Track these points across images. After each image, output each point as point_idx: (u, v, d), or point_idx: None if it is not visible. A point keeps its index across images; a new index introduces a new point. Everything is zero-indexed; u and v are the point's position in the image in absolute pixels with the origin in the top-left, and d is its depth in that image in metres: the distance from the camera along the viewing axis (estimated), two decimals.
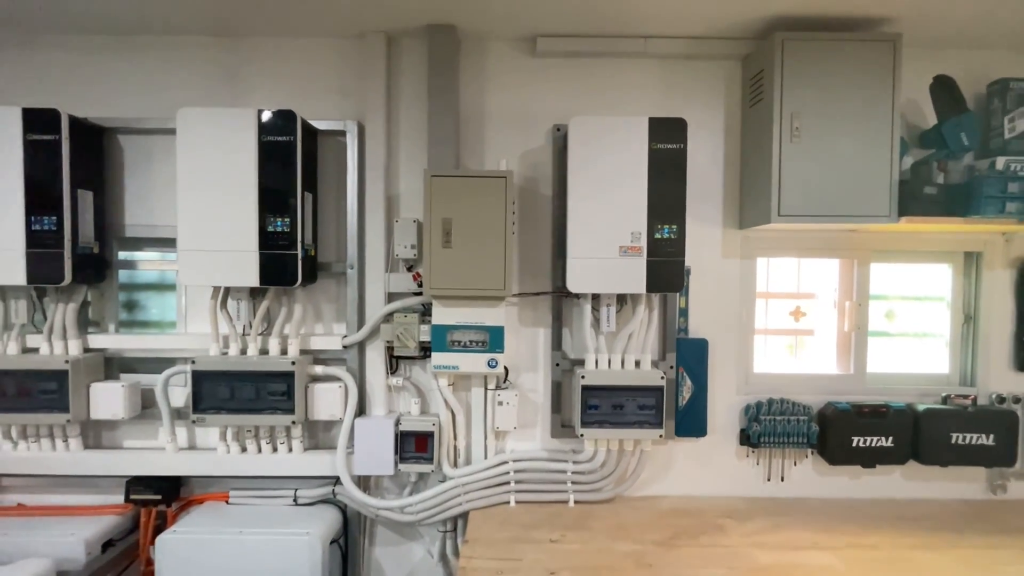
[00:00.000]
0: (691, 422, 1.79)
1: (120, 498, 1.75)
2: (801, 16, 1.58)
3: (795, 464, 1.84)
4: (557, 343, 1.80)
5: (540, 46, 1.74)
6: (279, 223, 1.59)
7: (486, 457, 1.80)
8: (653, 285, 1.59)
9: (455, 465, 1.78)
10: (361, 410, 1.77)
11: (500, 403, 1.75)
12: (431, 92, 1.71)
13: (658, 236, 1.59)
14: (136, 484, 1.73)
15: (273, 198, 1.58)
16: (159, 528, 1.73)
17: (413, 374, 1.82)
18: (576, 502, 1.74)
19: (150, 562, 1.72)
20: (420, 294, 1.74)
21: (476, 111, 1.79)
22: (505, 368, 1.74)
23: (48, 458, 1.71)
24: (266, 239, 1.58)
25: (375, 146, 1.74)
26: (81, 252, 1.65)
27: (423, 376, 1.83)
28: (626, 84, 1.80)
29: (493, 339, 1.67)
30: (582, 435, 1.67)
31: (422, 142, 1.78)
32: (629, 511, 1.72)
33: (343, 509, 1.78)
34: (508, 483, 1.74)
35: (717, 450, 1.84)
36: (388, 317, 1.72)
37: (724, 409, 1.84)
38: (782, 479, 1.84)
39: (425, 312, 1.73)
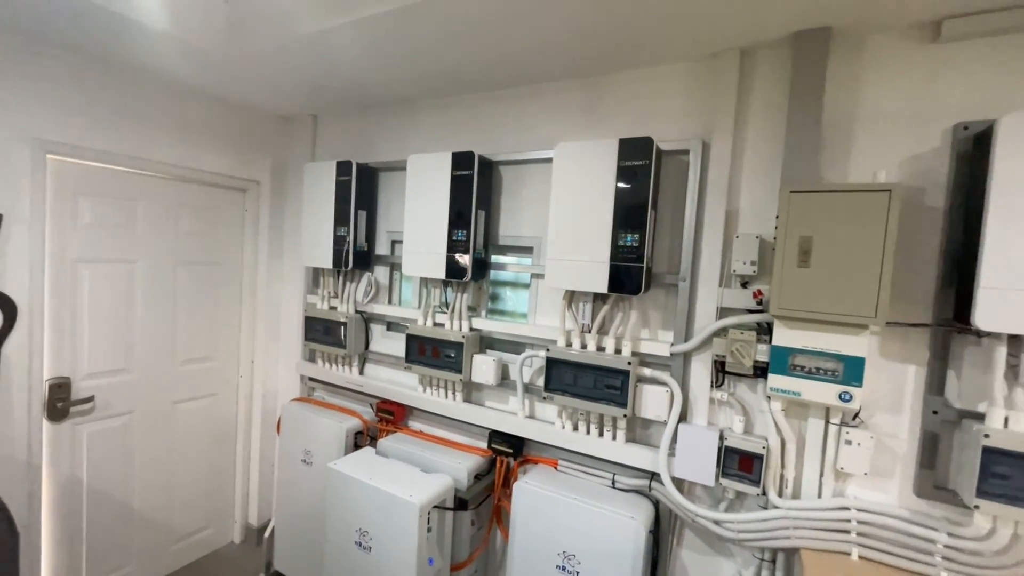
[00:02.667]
0: None
1: (483, 444, 2.29)
2: None
3: None
4: (938, 387, 1.50)
5: (948, 29, 1.45)
6: (629, 238, 1.78)
7: (820, 496, 1.65)
8: None
9: (781, 495, 1.69)
10: (682, 417, 1.85)
11: (848, 442, 1.57)
12: (791, 103, 1.63)
13: None
14: (496, 436, 2.24)
15: (626, 216, 1.78)
16: (506, 474, 2.20)
17: (738, 391, 1.80)
18: None
19: (500, 498, 2.20)
20: (759, 312, 1.70)
21: (843, 118, 1.62)
22: (859, 405, 1.55)
23: (444, 403, 2.37)
24: (617, 252, 1.80)
25: (719, 163, 1.77)
26: (476, 256, 2.21)
27: (749, 394, 1.79)
28: None
29: (849, 370, 1.50)
30: (977, 507, 1.35)
31: (769, 156, 1.72)
32: None
33: (655, 504, 1.91)
34: (849, 532, 1.56)
35: None
36: (721, 331, 1.74)
37: None
38: None
39: (762, 331, 1.68)
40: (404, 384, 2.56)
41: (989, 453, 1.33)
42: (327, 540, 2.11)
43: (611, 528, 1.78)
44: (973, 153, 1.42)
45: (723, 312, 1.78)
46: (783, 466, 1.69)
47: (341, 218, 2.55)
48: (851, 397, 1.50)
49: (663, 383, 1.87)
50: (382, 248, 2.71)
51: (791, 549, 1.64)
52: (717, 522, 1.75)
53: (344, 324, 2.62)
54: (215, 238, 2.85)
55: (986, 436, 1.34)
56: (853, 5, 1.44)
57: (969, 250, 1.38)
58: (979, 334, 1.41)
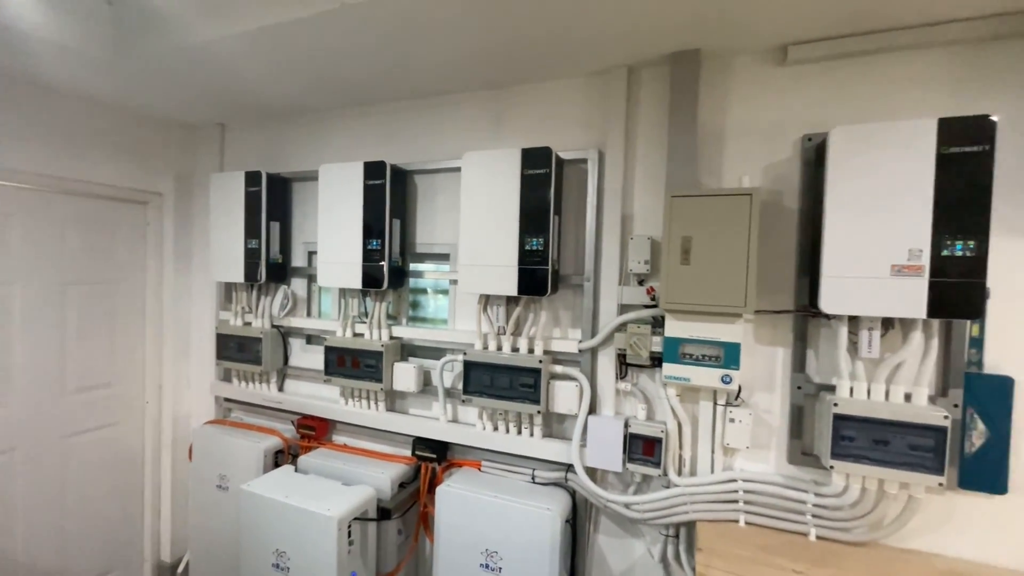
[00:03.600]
0: (983, 474, 1.50)
1: (406, 451, 2.30)
2: None
3: None
4: (799, 365, 1.71)
5: (792, 55, 1.68)
6: (535, 242, 1.88)
7: (712, 471, 1.81)
8: (937, 310, 1.39)
9: (680, 474, 1.84)
10: (592, 409, 1.96)
11: (732, 420, 1.75)
12: (671, 116, 1.80)
13: (947, 253, 1.38)
14: (419, 443, 2.25)
15: (530, 221, 1.88)
16: (431, 480, 2.22)
17: (640, 381, 1.94)
18: (818, 537, 1.63)
19: (426, 505, 2.21)
20: (652, 307, 1.85)
21: (715, 129, 1.81)
22: (739, 386, 1.73)
23: (365, 414, 2.35)
24: (524, 256, 1.89)
25: (613, 171, 1.91)
26: (392, 265, 2.22)
27: (650, 384, 1.93)
28: (898, 82, 1.60)
29: (728, 355, 1.67)
30: (831, 467, 1.55)
31: (657, 164, 1.89)
32: (891, 561, 1.53)
33: (572, 494, 2.00)
34: (737, 501, 1.73)
35: (1023, 514, 1.50)
36: (621, 327, 1.87)
37: None
38: None
39: (656, 324, 1.83)
40: (326, 398, 2.51)
41: (838, 419, 1.54)
42: (241, 566, 2.01)
43: (529, 522, 1.85)
44: (816, 161, 1.65)
45: (623, 308, 1.92)
46: (681, 447, 1.84)
47: (252, 230, 2.47)
48: (731, 379, 1.67)
49: (573, 378, 1.98)
50: (299, 260, 2.65)
51: (690, 522, 1.79)
52: (627, 505, 1.87)
53: (259, 340, 2.52)
54: (113, 255, 2.65)
55: (835, 405, 1.55)
56: (714, 31, 1.63)
57: (816, 244, 1.60)
58: (827, 317, 1.63)
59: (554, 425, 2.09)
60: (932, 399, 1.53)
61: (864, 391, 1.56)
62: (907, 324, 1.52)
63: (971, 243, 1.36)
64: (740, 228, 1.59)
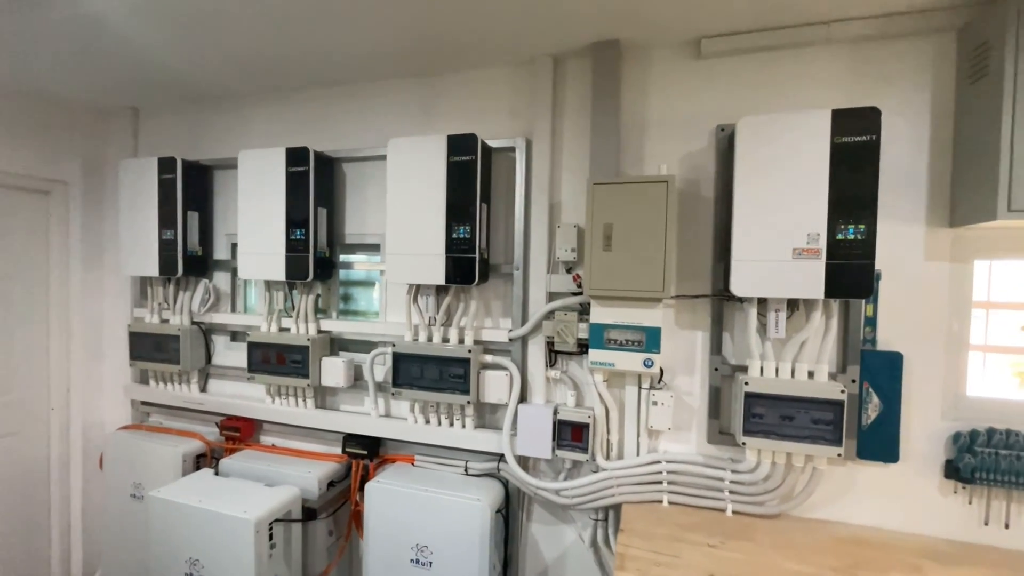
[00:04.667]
0: (878, 444, 1.60)
1: (338, 449, 2.22)
2: None
3: None
4: (717, 347, 1.77)
5: (705, 47, 1.73)
6: (461, 231, 1.85)
7: (639, 454, 1.85)
8: (833, 290, 1.47)
9: (607, 458, 1.86)
10: (523, 397, 1.96)
11: (655, 403, 1.79)
12: (594, 105, 1.82)
13: (840, 237, 1.47)
14: (350, 440, 2.18)
15: (457, 209, 1.85)
16: (363, 477, 2.15)
17: (570, 368, 1.96)
18: (735, 512, 1.69)
19: (357, 503, 2.15)
20: (579, 294, 1.86)
21: (637, 119, 1.85)
22: (660, 369, 1.77)
23: (293, 412, 2.25)
24: (451, 244, 1.86)
25: (541, 159, 1.92)
26: (319, 256, 2.14)
27: (579, 371, 1.95)
28: (804, 76, 1.69)
29: (650, 339, 1.71)
30: (743, 443, 1.62)
31: (583, 153, 1.91)
32: (798, 531, 1.61)
33: (505, 484, 1.99)
34: (661, 482, 1.77)
35: (912, 480, 1.61)
36: (549, 315, 1.88)
37: (923, 435, 1.60)
38: (1007, 526, 1.54)
39: (583, 311, 1.85)
40: (251, 397, 2.39)
41: (749, 397, 1.61)
42: None
43: (459, 513, 1.83)
44: (728, 150, 1.71)
45: (552, 296, 1.92)
46: (608, 432, 1.87)
47: (167, 220, 2.31)
48: (652, 363, 1.70)
49: (504, 368, 1.97)
50: (221, 252, 2.50)
51: (617, 505, 1.82)
52: (557, 492, 1.87)
53: (177, 338, 2.37)
54: (9, 249, 2.41)
55: (746, 384, 1.61)
56: (630, 22, 1.66)
57: (728, 230, 1.66)
58: (740, 300, 1.69)
59: (487, 416, 2.07)
60: (833, 376, 1.63)
61: (773, 370, 1.63)
62: (809, 305, 1.60)
63: (861, 227, 1.45)
64: (658, 214, 1.63)
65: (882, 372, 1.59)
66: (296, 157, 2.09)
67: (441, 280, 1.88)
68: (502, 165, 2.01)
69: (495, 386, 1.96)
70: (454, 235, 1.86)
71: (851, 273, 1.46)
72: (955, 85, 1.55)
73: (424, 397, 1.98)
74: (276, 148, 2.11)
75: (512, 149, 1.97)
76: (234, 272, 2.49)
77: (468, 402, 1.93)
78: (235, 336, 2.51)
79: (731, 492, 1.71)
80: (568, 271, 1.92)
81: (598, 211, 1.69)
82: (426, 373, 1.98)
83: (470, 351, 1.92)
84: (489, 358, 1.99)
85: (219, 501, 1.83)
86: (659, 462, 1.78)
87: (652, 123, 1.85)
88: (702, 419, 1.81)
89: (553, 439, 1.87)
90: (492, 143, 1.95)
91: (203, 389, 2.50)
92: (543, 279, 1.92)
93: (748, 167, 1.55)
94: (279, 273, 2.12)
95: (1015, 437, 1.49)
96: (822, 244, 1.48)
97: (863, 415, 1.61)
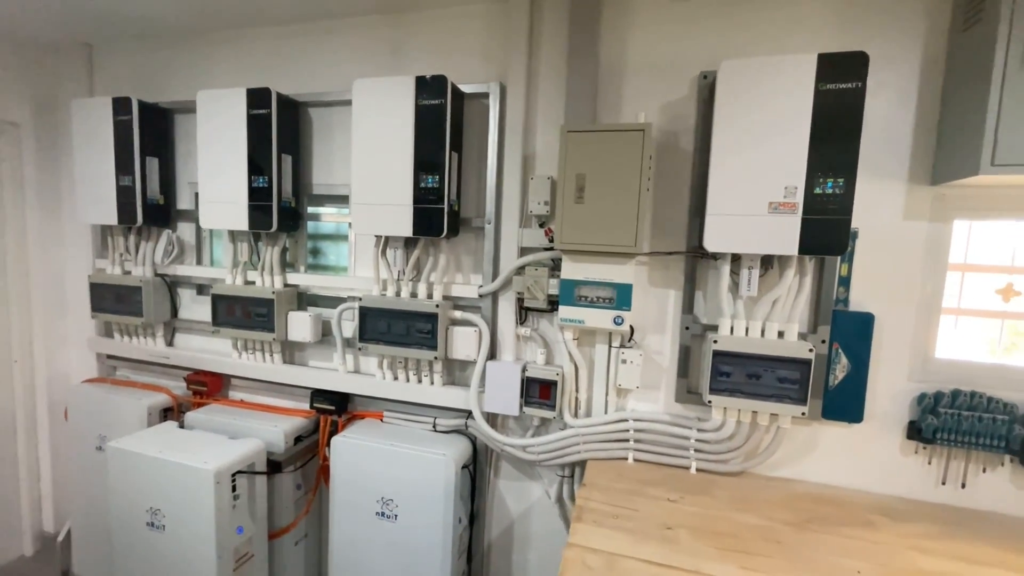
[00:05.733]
0: (843, 405, 1.59)
1: (306, 405, 2.19)
2: None
3: (983, 471, 1.54)
4: (688, 306, 1.73)
5: None
6: (430, 180, 1.77)
7: (607, 412, 1.83)
8: (808, 246, 1.43)
9: (576, 415, 1.85)
10: (492, 354, 1.93)
11: (624, 361, 1.76)
12: (571, 49, 1.72)
13: (818, 191, 1.41)
14: (318, 395, 2.14)
15: (426, 157, 1.76)
16: (332, 433, 2.13)
17: (540, 326, 1.92)
18: (698, 470, 1.70)
19: (326, 458, 2.13)
20: (549, 249, 1.80)
21: (616, 65, 1.75)
22: (631, 327, 1.73)
23: (260, 367, 2.20)
24: (419, 194, 1.78)
25: (515, 106, 1.82)
26: (284, 206, 2.05)
27: (549, 329, 1.91)
28: (792, 21, 1.59)
29: (620, 296, 1.67)
30: (709, 401, 1.60)
31: (559, 101, 1.81)
32: (757, 488, 1.62)
33: (473, 441, 1.98)
34: (627, 440, 1.76)
35: (874, 440, 1.62)
36: (520, 270, 1.83)
37: (888, 396, 1.60)
38: (963, 486, 1.55)
39: (555, 267, 1.79)
40: (219, 352, 2.33)
41: (717, 356, 1.58)
42: (113, 529, 1.87)
43: (424, 468, 1.82)
44: (709, 99, 1.63)
45: (524, 251, 1.86)
46: (577, 390, 1.84)
47: (124, 166, 2.20)
48: (622, 320, 1.67)
49: (473, 324, 1.92)
50: (185, 202, 2.40)
51: (583, 462, 1.82)
52: (524, 448, 1.87)
53: (139, 289, 2.29)
54: None
55: (715, 342, 1.58)
56: None
57: (706, 185, 1.59)
58: (714, 257, 1.64)
59: (456, 373, 2.04)
60: (803, 336, 1.60)
61: (743, 329, 1.60)
62: (783, 263, 1.56)
63: (840, 181, 1.39)
64: (633, 165, 1.55)
65: (853, 333, 1.57)
66: (257, 99, 1.96)
67: (409, 232, 1.81)
68: (475, 112, 1.91)
69: (464, 342, 1.92)
70: (422, 184, 1.78)
71: (827, 229, 1.41)
72: (948, 35, 1.47)
73: (391, 352, 1.94)
74: (236, 89, 1.98)
75: (485, 95, 1.86)
76: (198, 222, 2.39)
77: (436, 358, 1.89)
78: (201, 289, 2.43)
79: (696, 450, 1.70)
80: (541, 225, 1.85)
81: (571, 160, 1.61)
82: (393, 328, 1.93)
83: (438, 306, 1.87)
84: (458, 314, 1.94)
85: (180, 452, 1.80)
86: (626, 420, 1.76)
87: (631, 69, 1.75)
88: (671, 378, 1.79)
89: (521, 396, 1.85)
90: (464, 88, 1.85)
91: (169, 343, 2.44)
92: (515, 233, 1.86)
93: (728, 114, 1.47)
94: (242, 223, 2.03)
95: (979, 399, 1.49)
96: (799, 198, 1.42)
97: (831, 376, 1.59)
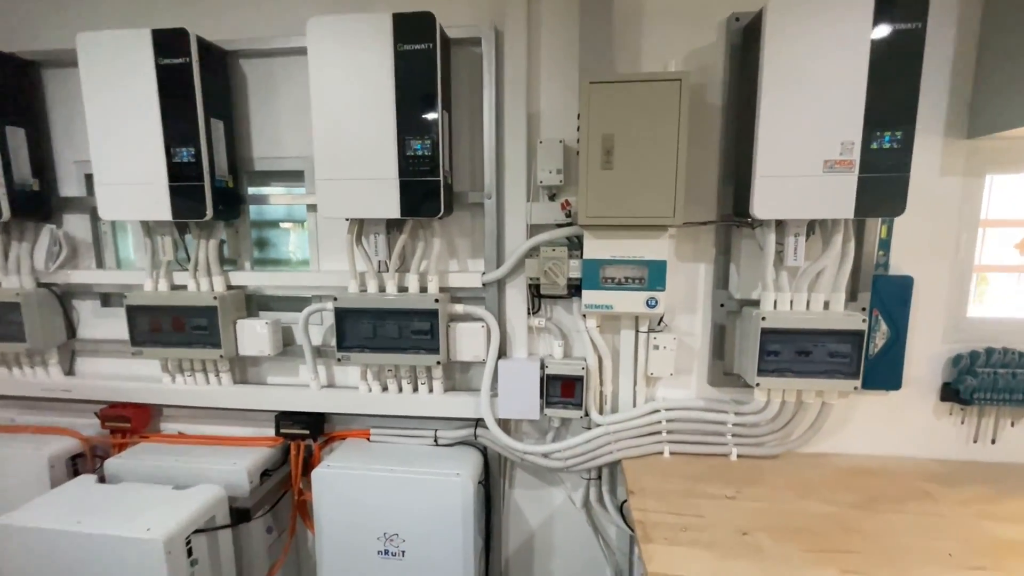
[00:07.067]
0: (883, 373, 1.52)
1: (270, 431, 1.79)
2: None
3: (1012, 425, 1.55)
4: (722, 281, 1.57)
5: None
6: (419, 146, 1.43)
7: (635, 405, 1.65)
8: (865, 208, 1.30)
9: (601, 412, 1.65)
10: (502, 352, 1.66)
11: (656, 347, 1.57)
12: None
13: (875, 147, 1.27)
14: (285, 418, 1.76)
15: (412, 117, 1.42)
16: (307, 460, 1.77)
17: (556, 314, 1.67)
18: (739, 456, 1.57)
19: (302, 492, 1.77)
20: (567, 225, 1.55)
21: (632, 9, 1.50)
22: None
23: (203, 391, 1.76)
24: (406, 165, 1.44)
25: (514, 55, 1.51)
26: (218, 186, 1.59)
27: (566, 317, 1.67)
28: None
29: (653, 275, 1.46)
30: (758, 384, 1.46)
31: (565, 51, 1.53)
32: (805, 468, 1.52)
33: (483, 451, 1.72)
34: (660, 432, 1.59)
35: (911, 406, 1.58)
36: (533, 251, 1.56)
37: (924, 359, 1.55)
38: (993, 441, 1.56)
39: (573, 246, 1.55)
40: (144, 377, 1.84)
41: (765, 334, 1.44)
42: None
43: (435, 491, 1.53)
44: (743, 45, 1.43)
45: (533, 230, 1.59)
46: (602, 383, 1.64)
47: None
48: (656, 302, 1.47)
49: (478, 318, 1.64)
50: (70, 187, 1.83)
51: (612, 462, 1.63)
52: (545, 455, 1.64)
53: (17, 306, 1.72)
54: None
55: (763, 319, 1.43)
56: None
57: (743, 145, 1.41)
58: (753, 225, 1.48)
59: (457, 376, 1.75)
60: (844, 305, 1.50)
61: (787, 302, 1.47)
62: (827, 228, 1.43)
63: (899, 134, 1.26)
64: (669, 122, 1.33)
65: (892, 298, 1.49)
66: (170, 44, 1.48)
67: (396, 212, 1.46)
68: (464, 61, 1.57)
69: (469, 341, 1.63)
70: (408, 152, 1.43)
71: (885, 188, 1.28)
72: None
73: (381, 360, 1.61)
74: (136, 30, 1.48)
75: (476, 41, 1.54)
76: (94, 213, 1.83)
77: (437, 362, 1.59)
78: (107, 300, 1.89)
79: (734, 436, 1.58)
80: (552, 198, 1.58)
81: (596, 119, 1.35)
82: (381, 331, 1.59)
83: (437, 300, 1.55)
84: (459, 308, 1.64)
85: (109, 519, 1.36)
86: (658, 411, 1.59)
87: (650, 14, 1.51)
88: (703, 361, 1.64)
89: (541, 397, 1.61)
90: (451, 32, 1.51)
91: (69, 371, 1.90)
92: (522, 209, 1.58)
93: (778, 64, 1.28)
94: (162, 211, 1.55)
95: (1011, 355, 1.48)
96: (856, 155, 1.28)
97: (871, 344, 1.51)
